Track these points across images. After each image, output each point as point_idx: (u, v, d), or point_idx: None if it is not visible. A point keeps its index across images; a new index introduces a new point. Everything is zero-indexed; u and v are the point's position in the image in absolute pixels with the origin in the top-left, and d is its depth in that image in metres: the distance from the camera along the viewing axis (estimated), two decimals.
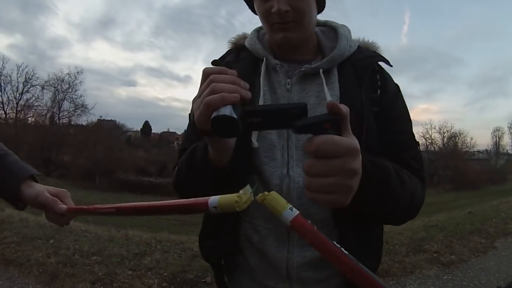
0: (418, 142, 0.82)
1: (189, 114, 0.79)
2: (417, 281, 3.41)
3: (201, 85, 0.55)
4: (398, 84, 0.83)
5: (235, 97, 0.50)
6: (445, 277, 3.47)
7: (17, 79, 27.57)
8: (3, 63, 28.03)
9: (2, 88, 26.82)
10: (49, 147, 26.46)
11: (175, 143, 41.15)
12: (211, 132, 0.50)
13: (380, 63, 0.81)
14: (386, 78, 0.81)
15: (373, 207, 0.64)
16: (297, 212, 0.41)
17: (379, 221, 0.79)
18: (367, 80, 0.77)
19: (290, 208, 0.41)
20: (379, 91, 0.78)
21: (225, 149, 0.64)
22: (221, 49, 0.98)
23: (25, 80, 27.49)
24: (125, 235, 4.22)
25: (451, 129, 35.37)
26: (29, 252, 3.28)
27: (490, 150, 39.56)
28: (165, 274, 3.17)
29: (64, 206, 0.75)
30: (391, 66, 0.81)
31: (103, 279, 2.98)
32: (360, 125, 0.71)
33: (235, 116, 0.47)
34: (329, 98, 0.72)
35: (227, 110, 0.47)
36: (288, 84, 0.77)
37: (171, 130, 47.77)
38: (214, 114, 0.48)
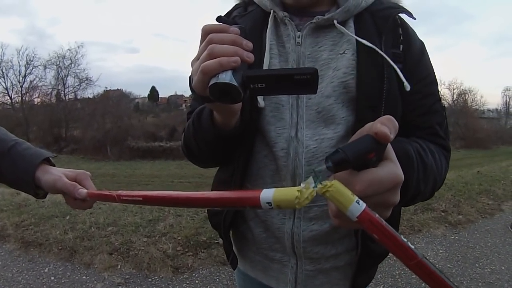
0: (444, 106, 0.75)
1: (189, 77, 0.75)
2: (424, 240, 3.46)
3: (200, 44, 0.51)
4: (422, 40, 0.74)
5: (235, 61, 0.45)
6: (452, 237, 3.51)
7: (19, 63, 27.94)
8: (2, 49, 27.85)
9: (5, 74, 27.16)
10: (58, 124, 26.92)
11: (184, 105, 41.39)
12: (211, 99, 0.47)
13: (403, 16, 0.72)
14: (410, 33, 0.72)
15: None
16: (365, 205, 0.35)
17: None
18: (388, 33, 0.68)
19: (357, 201, 0.35)
20: (402, 46, 0.70)
21: (230, 113, 0.60)
22: (228, 5, 0.87)
23: (27, 63, 27.82)
24: None
25: (460, 86, 34.63)
26: (47, 231, 3.37)
27: (500, 110, 39.03)
28: (179, 238, 3.25)
29: (84, 191, 0.69)
30: (414, 19, 0.72)
31: (119, 249, 3.08)
32: (380, 84, 0.65)
33: (234, 83, 0.44)
34: (350, 48, 0.67)
35: (226, 77, 0.44)
36: (298, 38, 0.70)
37: (178, 93, 48.01)
38: (213, 81, 0.45)
